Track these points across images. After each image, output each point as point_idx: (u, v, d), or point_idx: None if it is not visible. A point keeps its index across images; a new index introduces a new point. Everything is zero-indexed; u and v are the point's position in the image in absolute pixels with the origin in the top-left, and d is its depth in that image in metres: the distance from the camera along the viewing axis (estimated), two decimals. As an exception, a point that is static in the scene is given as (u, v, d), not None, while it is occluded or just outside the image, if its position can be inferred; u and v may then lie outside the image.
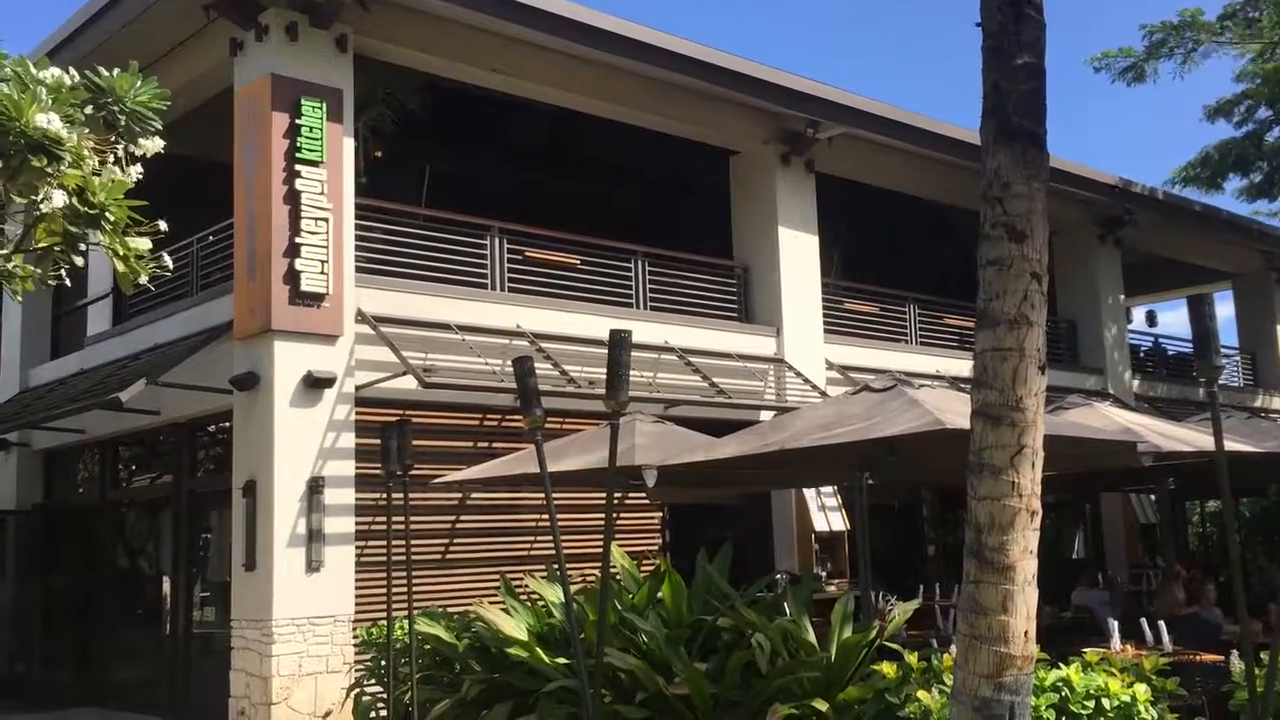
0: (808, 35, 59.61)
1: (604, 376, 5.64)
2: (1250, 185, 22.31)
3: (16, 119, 4.09)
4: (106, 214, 4.39)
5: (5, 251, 4.59)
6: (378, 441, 8.62)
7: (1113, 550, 19.04)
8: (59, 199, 4.24)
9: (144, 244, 4.60)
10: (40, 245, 4.55)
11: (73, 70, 4.49)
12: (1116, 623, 9.79)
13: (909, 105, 18.35)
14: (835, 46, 60.01)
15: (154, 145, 4.64)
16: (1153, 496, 18.26)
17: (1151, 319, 22.32)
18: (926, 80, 60.15)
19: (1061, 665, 6.12)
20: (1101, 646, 8.77)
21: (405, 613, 8.66)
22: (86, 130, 4.40)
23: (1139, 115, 64.57)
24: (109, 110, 4.50)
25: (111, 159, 4.49)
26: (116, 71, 4.58)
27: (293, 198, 10.95)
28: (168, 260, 4.84)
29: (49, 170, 4.21)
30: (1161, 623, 9.91)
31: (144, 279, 4.71)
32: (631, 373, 5.60)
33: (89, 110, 4.46)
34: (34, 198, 4.26)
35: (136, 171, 4.58)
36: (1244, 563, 19.13)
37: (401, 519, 8.41)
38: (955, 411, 7.33)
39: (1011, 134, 4.59)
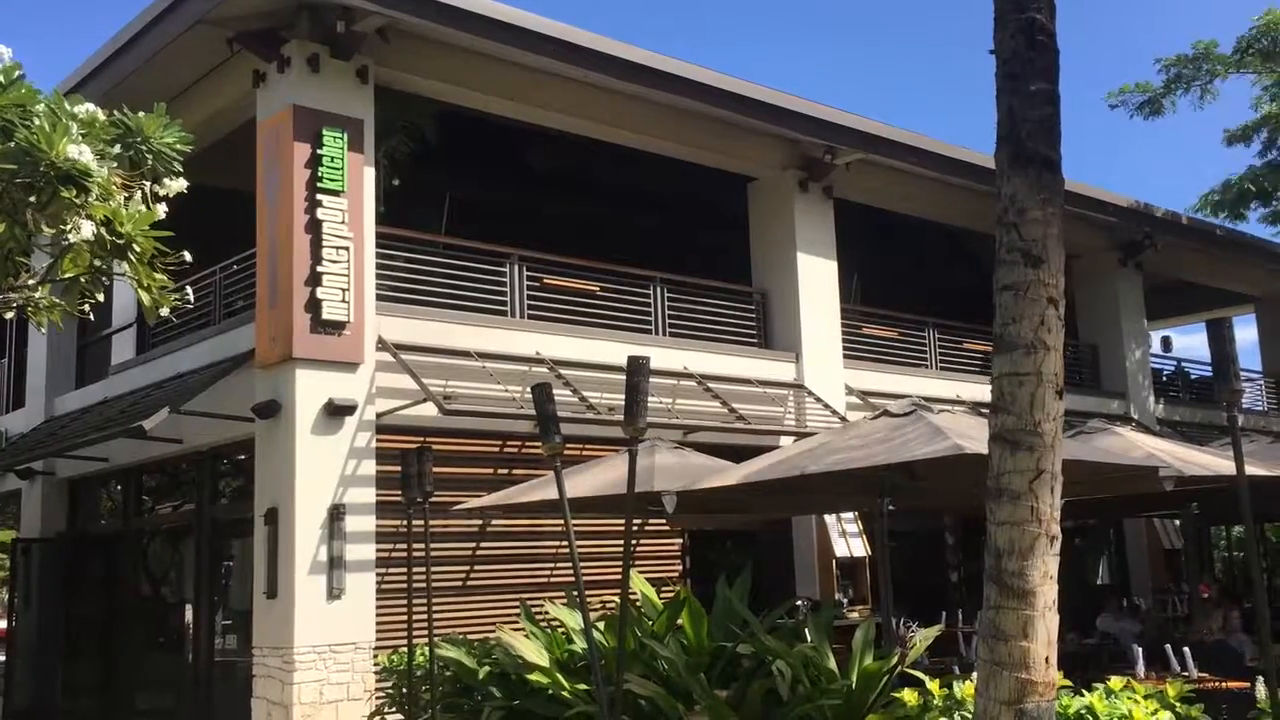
0: (824, 62, 59.88)
1: (623, 403, 5.66)
2: (1272, 213, 22.20)
3: (47, 151, 4.17)
4: (133, 245, 4.47)
5: (33, 283, 4.67)
6: (398, 468, 8.67)
7: (1138, 576, 18.88)
8: (87, 229, 4.33)
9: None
10: (66, 276, 4.63)
11: (98, 109, 4.59)
12: (1141, 649, 9.72)
13: (927, 130, 18.36)
14: (852, 72, 60.23)
15: (177, 185, 4.76)
16: (1177, 521, 18.11)
17: (1166, 345, 22.15)
18: (944, 105, 60.26)
19: (1085, 692, 6.08)
20: (1126, 673, 8.70)
21: (426, 639, 8.67)
22: (115, 165, 4.50)
23: (1157, 141, 64.47)
24: (136, 149, 4.60)
25: (138, 195, 4.59)
26: (143, 114, 4.67)
27: (314, 227, 11.05)
28: (190, 293, 4.93)
29: (78, 201, 4.29)
30: (1186, 649, 9.82)
31: (167, 310, 4.80)
32: (650, 399, 5.63)
33: (117, 149, 4.56)
34: (63, 228, 4.35)
35: (162, 210, 4.68)
36: (1269, 589, 18.97)
37: (422, 546, 8.44)
38: (975, 437, 7.30)
39: (1026, 159, 4.61)
